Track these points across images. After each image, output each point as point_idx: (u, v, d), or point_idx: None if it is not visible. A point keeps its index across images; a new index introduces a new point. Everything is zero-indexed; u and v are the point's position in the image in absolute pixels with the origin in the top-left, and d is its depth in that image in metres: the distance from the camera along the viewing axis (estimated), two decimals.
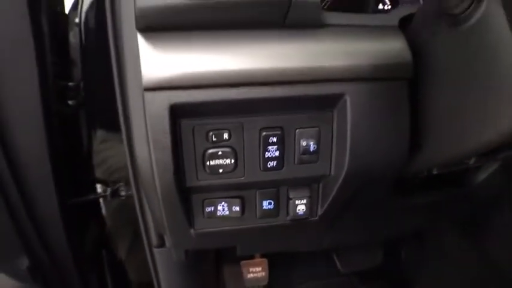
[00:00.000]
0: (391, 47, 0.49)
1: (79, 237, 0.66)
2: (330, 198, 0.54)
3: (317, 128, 0.50)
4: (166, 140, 0.47)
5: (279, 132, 0.49)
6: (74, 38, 0.68)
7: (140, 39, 0.45)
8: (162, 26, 0.45)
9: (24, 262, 0.56)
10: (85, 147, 0.77)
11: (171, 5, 0.44)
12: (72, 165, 0.69)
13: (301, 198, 0.54)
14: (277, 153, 0.50)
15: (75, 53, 0.68)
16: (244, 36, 0.47)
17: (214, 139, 0.48)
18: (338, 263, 0.84)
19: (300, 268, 0.92)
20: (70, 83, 0.67)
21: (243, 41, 0.47)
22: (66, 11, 0.69)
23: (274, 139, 0.49)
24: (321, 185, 0.54)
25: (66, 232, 0.62)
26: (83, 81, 0.68)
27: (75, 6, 0.69)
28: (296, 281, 0.90)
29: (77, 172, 0.72)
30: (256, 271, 0.75)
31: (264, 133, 0.49)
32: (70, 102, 0.72)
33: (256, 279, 0.76)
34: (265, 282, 0.78)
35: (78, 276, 0.62)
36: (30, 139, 0.59)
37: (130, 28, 0.47)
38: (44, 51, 0.62)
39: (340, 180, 0.52)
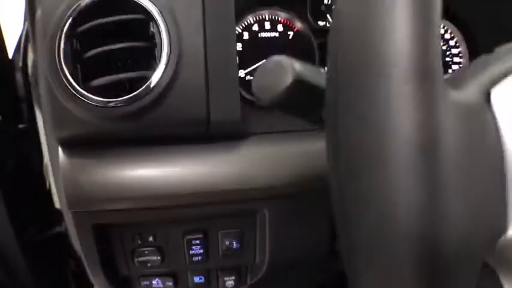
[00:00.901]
0: (310, 157, 0.49)
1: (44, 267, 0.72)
2: (259, 276, 0.58)
3: (239, 230, 0.53)
4: (93, 249, 0.50)
5: (201, 236, 0.52)
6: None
7: (61, 155, 0.46)
8: (80, 141, 0.46)
9: None
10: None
11: (87, 121, 0.44)
12: (31, 195, 0.72)
13: (229, 276, 0.58)
14: (201, 251, 0.53)
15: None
16: (168, 151, 0.48)
17: (139, 242, 0.52)
18: None
19: None
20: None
21: (166, 155, 0.47)
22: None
23: (198, 241, 0.52)
24: (248, 267, 0.58)
25: (27, 264, 0.67)
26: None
27: (17, 50, 0.67)
28: None
29: (36, 203, 0.74)
30: None
31: (188, 237, 0.52)
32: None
33: None
34: None
35: None
36: None
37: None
38: None
39: (265, 265, 0.56)
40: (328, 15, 0.59)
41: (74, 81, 0.41)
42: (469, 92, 0.28)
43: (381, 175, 0.24)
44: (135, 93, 0.42)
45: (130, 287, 0.58)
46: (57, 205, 0.63)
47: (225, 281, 0.59)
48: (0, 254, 0.65)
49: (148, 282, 0.57)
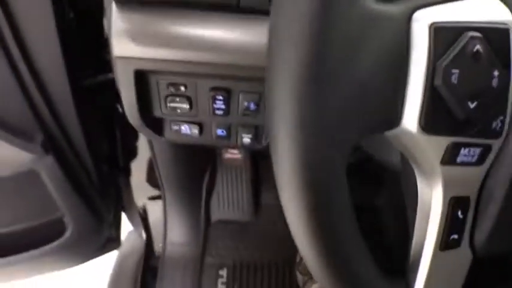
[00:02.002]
0: None
1: (90, 112, 0.83)
2: None
3: (258, 94, 0.60)
4: (132, 92, 0.59)
5: (224, 94, 0.60)
6: None
7: (114, 8, 0.54)
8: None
9: (39, 137, 0.75)
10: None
11: None
12: (86, 42, 0.81)
13: (247, 134, 0.67)
14: (223, 106, 0.62)
15: None
16: (202, 15, 0.54)
17: (172, 90, 0.60)
18: None
19: None
20: None
21: (201, 18, 0.54)
22: None
23: (221, 97, 0.60)
24: (264, 129, 0.66)
25: (77, 110, 0.77)
26: None
27: None
28: None
29: (91, 51, 0.83)
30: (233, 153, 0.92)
31: (213, 92, 0.60)
32: None
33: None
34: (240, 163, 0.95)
35: (88, 149, 0.81)
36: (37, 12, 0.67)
37: None
38: None
39: None
40: None
41: None
42: (394, 8, 0.32)
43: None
44: None
45: (162, 129, 0.68)
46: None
47: (242, 137, 0.68)
48: (51, 101, 0.74)
49: (178, 127, 0.67)
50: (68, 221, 0.87)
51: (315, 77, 0.29)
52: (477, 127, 0.34)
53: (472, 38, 0.31)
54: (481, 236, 0.39)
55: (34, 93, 0.72)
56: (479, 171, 0.37)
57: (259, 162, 1.10)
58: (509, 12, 0.33)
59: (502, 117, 0.34)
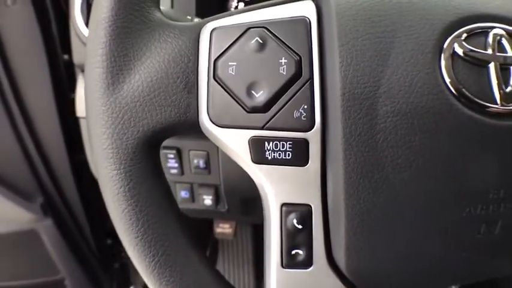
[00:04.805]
0: None
1: (90, 183, 0.89)
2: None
3: (206, 152, 0.63)
4: None
5: (175, 153, 0.64)
6: None
7: None
8: None
9: (38, 199, 0.83)
10: None
11: None
12: None
13: (207, 195, 0.69)
14: (176, 165, 0.65)
15: None
16: None
17: None
18: None
19: None
20: None
21: None
22: None
23: (172, 155, 0.64)
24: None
25: (75, 177, 0.85)
26: None
27: None
28: None
29: None
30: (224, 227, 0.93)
31: (164, 151, 0.64)
32: None
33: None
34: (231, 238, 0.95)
35: (86, 216, 0.87)
36: (39, 91, 0.75)
37: None
38: None
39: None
40: None
41: None
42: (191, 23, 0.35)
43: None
44: None
45: None
46: None
47: (204, 199, 0.70)
48: (50, 165, 0.81)
49: None
50: (68, 283, 0.92)
51: (108, 76, 0.33)
52: (272, 117, 0.33)
53: (253, 33, 0.33)
54: (339, 253, 0.34)
55: (34, 156, 0.81)
56: (308, 172, 0.33)
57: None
58: (313, 7, 0.34)
59: (305, 106, 0.32)
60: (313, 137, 0.33)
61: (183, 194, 0.70)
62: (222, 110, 0.34)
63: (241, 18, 0.35)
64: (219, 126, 0.34)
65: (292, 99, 0.33)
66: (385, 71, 0.32)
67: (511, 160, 0.33)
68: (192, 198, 0.70)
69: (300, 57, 0.33)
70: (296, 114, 0.33)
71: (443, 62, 0.32)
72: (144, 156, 0.35)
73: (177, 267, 0.36)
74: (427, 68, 0.32)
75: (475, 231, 0.34)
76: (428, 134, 0.32)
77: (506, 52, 0.33)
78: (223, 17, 0.35)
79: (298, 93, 0.33)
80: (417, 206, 0.33)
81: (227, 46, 0.34)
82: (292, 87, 0.33)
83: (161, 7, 0.37)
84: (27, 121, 0.79)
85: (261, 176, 0.34)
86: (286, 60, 0.33)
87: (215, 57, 0.34)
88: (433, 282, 0.36)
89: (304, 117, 0.33)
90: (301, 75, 0.33)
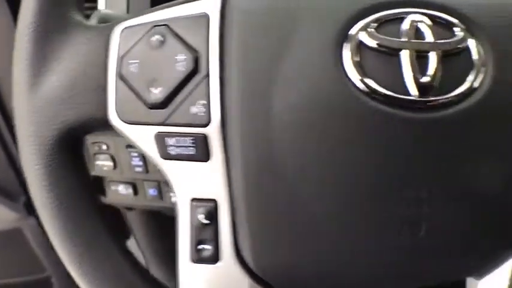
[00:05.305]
0: None
1: None
2: None
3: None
4: None
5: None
6: None
7: None
8: None
9: (21, 198, 0.85)
10: None
11: None
12: None
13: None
14: (141, 163, 0.66)
15: None
16: None
17: (96, 148, 0.67)
18: None
19: None
20: None
21: None
22: None
23: (136, 154, 0.66)
24: None
25: None
26: None
27: None
28: None
29: None
30: None
31: (129, 149, 0.65)
32: None
33: None
34: None
35: None
36: None
37: None
38: None
39: None
40: None
41: None
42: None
43: None
44: None
45: (104, 190, 0.74)
46: None
47: (171, 197, 0.71)
48: None
49: (115, 188, 0.72)
50: (55, 281, 0.94)
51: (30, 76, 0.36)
52: (171, 113, 0.33)
53: (155, 31, 0.34)
54: (246, 249, 0.34)
55: (16, 156, 0.84)
56: (212, 168, 0.34)
57: None
58: (219, 4, 0.34)
59: (202, 102, 0.33)
60: (213, 132, 0.33)
61: (151, 191, 0.71)
62: (127, 106, 0.35)
63: (148, 17, 0.35)
64: (126, 122, 0.35)
65: (190, 95, 0.33)
66: (283, 65, 0.31)
67: (433, 156, 0.32)
68: (161, 195, 0.71)
69: (198, 54, 0.33)
70: (193, 110, 0.33)
71: (347, 53, 0.31)
72: (63, 151, 0.37)
73: (96, 256, 0.37)
74: (327, 60, 0.31)
75: (394, 232, 0.32)
76: (331, 129, 0.31)
77: (424, 39, 0.31)
78: (135, 16, 0.36)
79: (196, 89, 0.33)
80: (319, 203, 0.32)
81: (132, 44, 0.35)
82: (189, 83, 0.33)
83: (116, 12, 0.39)
84: (9, 123, 0.81)
85: (170, 171, 0.35)
86: (184, 57, 0.33)
87: (121, 56, 0.35)
88: (352, 282, 0.36)
89: (201, 112, 0.33)
90: (198, 71, 0.33)
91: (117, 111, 0.35)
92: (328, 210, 0.32)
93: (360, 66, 0.31)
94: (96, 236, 0.37)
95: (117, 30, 0.36)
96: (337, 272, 0.35)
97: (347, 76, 0.31)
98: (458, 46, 0.31)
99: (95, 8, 0.58)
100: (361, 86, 0.31)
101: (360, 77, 0.31)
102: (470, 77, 0.31)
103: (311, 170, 0.32)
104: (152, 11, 0.36)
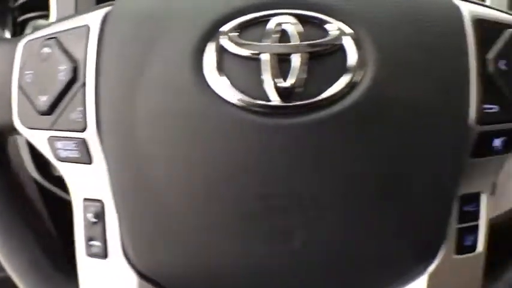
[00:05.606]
0: None
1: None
2: None
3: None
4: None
5: None
6: None
7: None
8: None
9: None
10: None
11: None
12: None
13: None
14: None
15: None
16: None
17: None
18: None
19: None
20: None
21: None
22: None
23: None
24: None
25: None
26: None
27: None
28: None
29: None
30: None
31: None
32: None
33: None
34: None
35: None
36: None
37: None
38: None
39: None
40: None
41: None
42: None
43: None
44: None
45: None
46: None
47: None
48: None
49: None
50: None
51: None
52: (56, 119, 0.35)
53: (45, 43, 0.36)
54: (128, 247, 0.35)
55: None
56: (95, 170, 0.35)
57: None
58: (102, 15, 0.35)
59: (79, 109, 0.34)
60: (90, 137, 0.35)
61: None
62: (25, 113, 0.37)
63: (46, 30, 0.38)
64: (26, 128, 0.37)
65: (70, 103, 0.35)
66: (148, 72, 0.33)
67: (298, 163, 0.31)
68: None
69: (77, 64, 0.35)
70: (72, 116, 0.35)
71: (207, 59, 0.31)
72: None
73: (16, 251, 0.40)
74: (188, 66, 0.31)
75: (264, 239, 0.33)
76: (191, 136, 0.32)
77: (289, 41, 0.30)
78: (40, 29, 0.38)
79: (75, 96, 0.35)
80: (183, 208, 0.33)
81: (28, 56, 0.37)
82: (69, 91, 0.35)
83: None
84: None
85: (64, 172, 0.37)
86: (65, 67, 0.35)
87: (21, 67, 0.37)
88: (232, 283, 0.36)
89: (79, 118, 0.35)
90: (77, 80, 0.35)
91: (19, 118, 0.37)
92: (194, 215, 0.33)
93: (220, 72, 0.30)
94: (19, 234, 0.40)
95: (22, 43, 0.38)
96: (211, 272, 0.35)
97: (206, 82, 0.31)
98: (330, 45, 0.30)
99: (47, 16, 0.60)
100: (220, 92, 0.30)
101: (220, 84, 0.30)
102: (344, 78, 0.30)
103: (174, 176, 0.33)
104: (52, 24, 0.39)
